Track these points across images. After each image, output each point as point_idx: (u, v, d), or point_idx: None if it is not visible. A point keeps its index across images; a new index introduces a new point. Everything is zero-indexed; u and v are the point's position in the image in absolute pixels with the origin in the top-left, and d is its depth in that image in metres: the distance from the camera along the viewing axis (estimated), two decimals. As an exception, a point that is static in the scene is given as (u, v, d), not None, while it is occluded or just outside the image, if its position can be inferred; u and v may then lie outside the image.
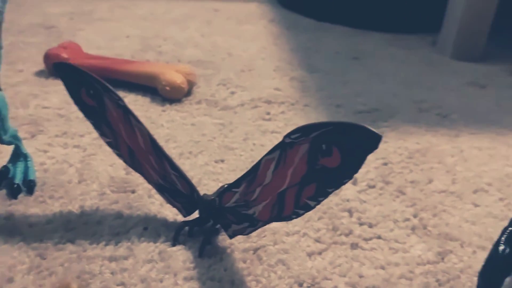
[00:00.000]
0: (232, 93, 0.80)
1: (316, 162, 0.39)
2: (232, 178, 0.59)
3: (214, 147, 0.66)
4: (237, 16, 1.18)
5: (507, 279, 0.43)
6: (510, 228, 0.38)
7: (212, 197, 0.48)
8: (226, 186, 0.49)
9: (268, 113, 0.75)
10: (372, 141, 0.36)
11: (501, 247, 0.37)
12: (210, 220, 0.50)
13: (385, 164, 0.65)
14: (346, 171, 0.39)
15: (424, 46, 1.10)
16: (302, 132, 0.39)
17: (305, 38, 1.08)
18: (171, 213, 0.53)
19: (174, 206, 0.52)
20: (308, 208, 0.42)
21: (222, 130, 0.70)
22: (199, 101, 0.77)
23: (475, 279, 0.47)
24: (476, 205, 0.59)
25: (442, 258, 0.50)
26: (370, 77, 0.91)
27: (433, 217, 0.56)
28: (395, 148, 0.69)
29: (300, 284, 0.46)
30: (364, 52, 1.03)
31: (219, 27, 1.10)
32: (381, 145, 0.69)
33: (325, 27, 1.16)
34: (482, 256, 0.50)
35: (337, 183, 0.40)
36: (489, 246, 0.51)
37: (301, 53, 0.99)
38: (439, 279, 0.48)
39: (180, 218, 0.52)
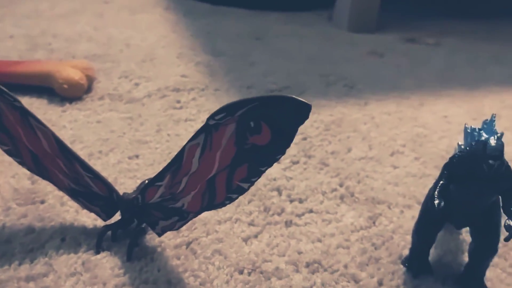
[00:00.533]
0: (136, 84, 0.75)
1: (246, 142, 0.37)
2: (150, 173, 0.55)
3: (126, 143, 0.61)
4: (129, 6, 1.11)
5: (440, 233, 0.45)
6: (442, 182, 0.39)
7: (134, 195, 0.44)
8: (147, 181, 0.45)
9: (179, 102, 0.71)
10: (301, 112, 0.35)
11: (436, 201, 0.38)
12: (134, 220, 0.46)
13: (305, 139, 0.65)
14: (278, 146, 0.37)
15: (321, 21, 1.12)
16: (227, 111, 0.36)
17: (204, 23, 1.05)
18: (89, 219, 0.48)
19: (91, 211, 0.47)
20: (242, 191, 0.40)
21: (132, 124, 0.65)
22: (102, 96, 0.71)
23: (408, 237, 0.48)
24: (395, 167, 0.60)
25: (374, 222, 0.51)
26: (275, 56, 0.91)
27: (358, 184, 0.57)
28: (311, 122, 0.69)
29: (241, 272, 0.44)
30: (264, 32, 1.03)
31: (112, 19, 1.04)
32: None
33: (222, 11, 1.14)
34: (409, 215, 0.52)
35: (270, 160, 0.38)
36: (414, 204, 0.53)
37: (203, 38, 0.97)
38: (374, 243, 0.48)
39: (100, 223, 0.47)
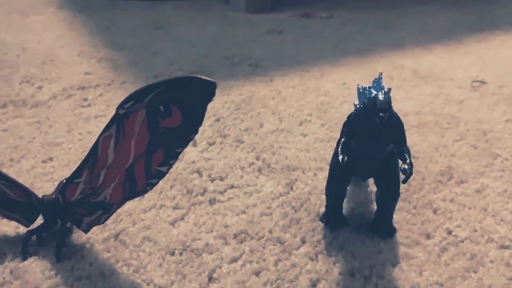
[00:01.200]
0: (40, 87, 0.73)
1: (158, 126, 0.39)
2: (66, 174, 0.54)
3: (37, 148, 0.60)
4: (20, 9, 1.06)
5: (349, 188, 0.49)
6: (343, 139, 0.43)
7: (54, 196, 0.44)
8: (65, 180, 0.45)
9: (86, 99, 0.70)
10: (208, 90, 0.37)
11: (340, 157, 0.41)
12: (58, 221, 0.46)
13: (218, 120, 0.67)
14: (190, 126, 0.39)
15: (218, 6, 1.14)
16: (135, 98, 0.37)
17: (101, 18, 1.03)
18: (10, 228, 0.47)
19: (11, 219, 0.46)
20: (162, 175, 0.41)
21: (40, 128, 0.64)
22: (4, 104, 0.69)
23: (323, 196, 0.52)
24: (305, 135, 0.64)
25: (291, 188, 0.54)
26: (178, 43, 0.92)
27: (273, 155, 0.60)
28: (222, 103, 0.71)
29: (172, 253, 0.46)
30: (164, 22, 1.03)
31: (3, 24, 0.98)
32: (210, 104, 0.70)
33: (118, 5, 1.12)
34: (322, 176, 0.56)
35: (185, 141, 0.39)
36: (325, 166, 0.57)
37: (102, 33, 0.95)
38: (294, 206, 0.52)
39: (23, 229, 0.46)
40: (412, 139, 0.63)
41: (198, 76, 0.36)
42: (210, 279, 0.43)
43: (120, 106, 0.38)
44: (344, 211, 0.50)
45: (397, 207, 0.51)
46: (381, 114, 0.39)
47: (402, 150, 0.42)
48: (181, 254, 0.46)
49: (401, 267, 0.45)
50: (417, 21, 1.08)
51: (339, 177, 0.46)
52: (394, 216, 0.49)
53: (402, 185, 0.52)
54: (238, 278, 0.43)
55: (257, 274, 0.44)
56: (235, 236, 0.48)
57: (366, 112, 0.41)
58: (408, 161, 0.41)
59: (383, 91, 0.40)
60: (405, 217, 0.50)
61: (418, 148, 0.61)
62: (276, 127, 0.66)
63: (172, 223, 0.49)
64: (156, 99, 0.37)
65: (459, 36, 0.98)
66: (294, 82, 0.78)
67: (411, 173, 0.41)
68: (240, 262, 0.45)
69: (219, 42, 0.93)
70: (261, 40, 0.95)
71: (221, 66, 0.83)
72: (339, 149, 0.42)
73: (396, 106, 0.71)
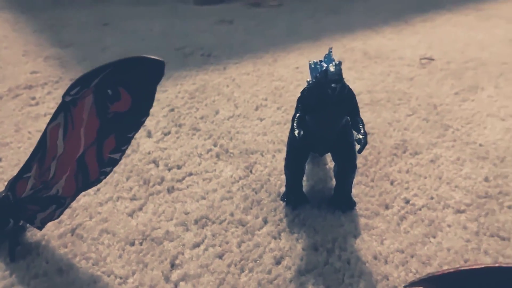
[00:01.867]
0: (-17, 89, 0.70)
1: (107, 111, 0.37)
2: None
3: (-16, 150, 0.57)
4: (-45, 11, 1.02)
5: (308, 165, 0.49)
6: (298, 114, 0.43)
7: (3, 194, 0.42)
8: (13, 177, 0.43)
9: (34, 98, 0.68)
10: (156, 70, 0.36)
11: (296, 131, 0.41)
12: (10, 220, 0.44)
13: (172, 110, 0.66)
14: (141, 109, 0.38)
15: (166, 0, 1.12)
16: (81, 83, 0.36)
17: (45, 17, 1.00)
18: (-42, 232, 0.45)
19: (-41, 222, 0.44)
20: (115, 162, 0.40)
21: (-14, 129, 0.61)
22: None
23: (282, 176, 0.52)
24: (261, 119, 0.64)
25: (250, 171, 0.54)
26: (127, 38, 0.90)
27: (231, 141, 0.59)
28: (175, 93, 0.70)
29: (132, 244, 0.44)
30: (111, 18, 1.00)
31: None
32: (162, 94, 0.69)
33: (62, 2, 1.09)
34: (280, 157, 0.56)
35: (136, 125, 0.38)
36: (283, 148, 0.57)
37: (47, 32, 0.92)
38: (254, 188, 0.51)
39: (-29, 232, 0.44)
40: (366, 116, 0.63)
41: (145, 56, 0.35)
42: (173, 265, 0.42)
43: (66, 93, 0.36)
44: (304, 189, 0.50)
45: (355, 181, 0.51)
46: (333, 85, 0.39)
47: (356, 121, 0.43)
48: (141, 243, 0.44)
49: (362, 238, 0.45)
50: (365, 5, 1.09)
51: (297, 154, 0.46)
52: (353, 190, 0.50)
53: (359, 160, 0.53)
54: (201, 262, 0.43)
55: (220, 257, 0.43)
56: (196, 222, 0.47)
57: (319, 85, 0.41)
58: (362, 131, 0.41)
59: (333, 63, 0.40)
60: (364, 190, 0.51)
61: (372, 124, 0.62)
62: (232, 113, 0.65)
63: (130, 214, 0.48)
64: (103, 82, 0.36)
65: (406, 17, 1.00)
66: (248, 69, 0.78)
67: (366, 143, 0.41)
68: (202, 246, 0.44)
69: (169, 34, 0.92)
70: (212, 30, 0.95)
71: (172, 58, 0.81)
72: (295, 123, 0.42)
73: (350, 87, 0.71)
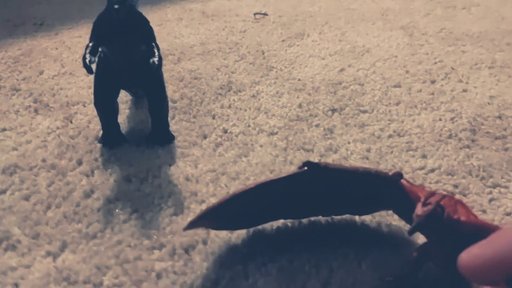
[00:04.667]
0: None
1: None
2: None
3: None
4: None
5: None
6: (90, 43, 0.42)
7: None
8: None
9: None
10: None
11: (88, 58, 0.41)
12: None
13: (-10, 74, 0.62)
14: None
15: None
16: None
17: None
18: None
19: None
20: None
21: None
22: None
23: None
24: (88, 75, 0.62)
25: (70, 121, 0.53)
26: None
27: (53, 97, 0.57)
28: (-4, 59, 0.66)
29: None
30: None
31: None
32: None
33: None
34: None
35: None
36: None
37: None
38: (72, 135, 0.50)
39: None
40: (196, 64, 0.65)
41: None
42: (-28, 213, 0.40)
43: None
44: (124, 131, 0.50)
45: (177, 119, 0.52)
46: (115, 6, 0.39)
47: (150, 47, 0.43)
48: None
49: (177, 165, 0.46)
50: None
51: (104, 90, 0.45)
52: (174, 126, 0.50)
53: (184, 101, 0.54)
54: (5, 206, 0.41)
55: (26, 198, 0.42)
56: (3, 171, 0.45)
57: (107, 11, 0.41)
58: (156, 54, 0.42)
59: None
60: (185, 125, 0.52)
61: (201, 70, 0.63)
62: (57, 72, 0.63)
63: None
64: None
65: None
66: (81, 32, 0.76)
67: (160, 65, 0.42)
68: (8, 192, 0.43)
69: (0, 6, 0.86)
70: (48, 1, 0.90)
71: (1, 28, 0.77)
72: (86, 53, 0.41)
73: (184, 41, 0.72)
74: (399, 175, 0.33)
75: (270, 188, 0.35)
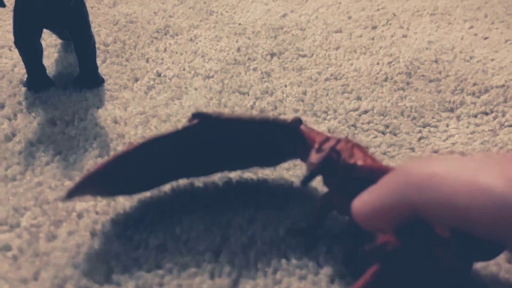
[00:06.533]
0: None
1: None
2: None
3: None
4: None
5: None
6: None
7: None
8: None
9: None
10: None
11: None
12: None
13: None
14: None
15: None
16: None
17: None
18: None
19: None
20: None
21: None
22: None
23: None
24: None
25: (-7, 65, 0.50)
26: None
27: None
28: None
29: None
30: None
31: None
32: None
33: None
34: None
35: None
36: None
37: None
38: (-7, 78, 0.47)
39: None
40: (133, 8, 0.62)
41: None
42: None
43: None
44: (51, 75, 0.47)
45: (108, 62, 0.50)
46: None
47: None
48: None
49: (105, 107, 0.44)
50: None
51: (25, 28, 0.43)
52: (104, 70, 0.48)
53: (117, 45, 0.51)
54: None
55: None
56: None
57: None
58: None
59: None
60: (116, 68, 0.50)
61: (137, 14, 0.61)
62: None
63: None
64: None
65: None
66: None
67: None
68: None
69: None
70: None
71: None
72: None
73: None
74: (298, 121, 0.31)
75: (160, 145, 0.31)
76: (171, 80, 0.49)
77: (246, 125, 0.32)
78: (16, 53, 0.52)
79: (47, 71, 0.47)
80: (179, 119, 0.43)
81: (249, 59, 0.53)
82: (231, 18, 0.61)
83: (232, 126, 0.32)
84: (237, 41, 0.56)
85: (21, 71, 0.49)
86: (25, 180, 0.36)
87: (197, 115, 0.31)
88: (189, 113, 0.44)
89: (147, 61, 0.52)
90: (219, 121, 0.31)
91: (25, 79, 0.47)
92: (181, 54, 0.53)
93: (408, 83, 0.50)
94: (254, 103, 0.46)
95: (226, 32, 0.58)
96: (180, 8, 0.63)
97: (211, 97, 0.46)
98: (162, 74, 0.49)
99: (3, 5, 0.39)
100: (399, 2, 0.67)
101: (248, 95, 0.47)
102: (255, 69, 0.51)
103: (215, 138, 0.32)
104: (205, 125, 0.31)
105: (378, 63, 0.53)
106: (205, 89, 0.48)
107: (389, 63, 0.53)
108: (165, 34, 0.57)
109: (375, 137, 0.43)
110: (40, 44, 0.45)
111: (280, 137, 0.32)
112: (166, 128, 0.42)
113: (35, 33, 0.44)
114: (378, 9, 0.65)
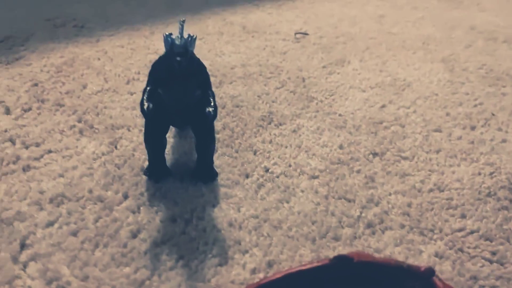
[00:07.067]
0: None
1: None
2: None
3: None
4: None
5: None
6: (148, 87, 0.42)
7: None
8: None
9: None
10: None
11: (145, 105, 0.41)
12: None
13: (35, 85, 0.63)
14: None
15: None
16: None
17: None
18: None
19: None
20: None
21: None
22: None
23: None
24: (131, 93, 0.63)
25: (115, 146, 0.53)
26: (-8, 7, 0.83)
27: (97, 116, 0.58)
28: (40, 67, 0.66)
29: (-20, 226, 0.42)
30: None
31: None
32: (26, 68, 0.65)
33: None
34: (146, 131, 0.55)
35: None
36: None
37: None
38: (117, 164, 0.51)
39: None
40: (237, 89, 0.65)
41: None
42: (23, 246, 0.41)
43: None
44: (168, 163, 0.50)
45: (219, 152, 0.52)
46: (178, 58, 0.39)
47: (207, 94, 0.43)
48: (-10, 226, 0.43)
49: (220, 206, 0.47)
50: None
51: (155, 127, 0.46)
52: (217, 161, 0.51)
53: (225, 132, 0.54)
54: (53, 241, 0.42)
55: (74, 234, 0.43)
56: (51, 201, 0.46)
57: (167, 58, 0.41)
58: (212, 103, 0.42)
59: (180, 36, 0.40)
60: (227, 161, 0.52)
61: (243, 97, 0.64)
62: (101, 87, 0.64)
63: (-20, 196, 0.45)
64: None
65: (286, -8, 1.03)
66: (123, 41, 0.76)
67: (215, 116, 0.42)
68: (56, 225, 0.43)
69: (39, 3, 0.87)
70: (87, 0, 0.90)
71: (41, 29, 0.77)
72: (144, 98, 0.42)
73: (225, 60, 0.72)
74: (431, 272, 0.33)
75: (299, 277, 0.35)
76: (278, 178, 0.51)
77: (381, 268, 0.34)
78: (135, 134, 0.55)
79: (165, 161, 0.50)
80: (289, 227, 0.45)
81: (351, 158, 0.54)
82: (330, 107, 0.63)
83: (368, 268, 0.34)
84: (338, 136, 0.58)
85: (141, 156, 0.52)
86: (152, 286, 0.39)
87: (338, 258, 0.34)
88: (298, 220, 0.46)
89: (255, 153, 0.54)
90: (357, 263, 0.33)
91: (145, 166, 0.50)
92: (286, 147, 0.55)
93: (511, 201, 0.50)
94: (361, 213, 0.47)
95: (327, 124, 0.60)
96: (281, 92, 0.65)
97: (318, 202, 0.48)
98: (269, 170, 0.52)
99: (149, 119, 0.42)
100: (496, 98, 0.67)
101: (354, 202, 0.48)
102: (358, 172, 0.52)
103: (350, 277, 0.34)
104: (343, 265, 0.33)
105: (479, 173, 0.53)
106: (311, 191, 0.49)
107: (491, 173, 0.54)
108: (270, 123, 0.59)
109: (482, 266, 0.43)
110: (165, 139, 0.48)
111: (409, 282, 0.34)
112: (278, 236, 0.44)
113: (164, 131, 0.47)
114: (475, 105, 0.65)
